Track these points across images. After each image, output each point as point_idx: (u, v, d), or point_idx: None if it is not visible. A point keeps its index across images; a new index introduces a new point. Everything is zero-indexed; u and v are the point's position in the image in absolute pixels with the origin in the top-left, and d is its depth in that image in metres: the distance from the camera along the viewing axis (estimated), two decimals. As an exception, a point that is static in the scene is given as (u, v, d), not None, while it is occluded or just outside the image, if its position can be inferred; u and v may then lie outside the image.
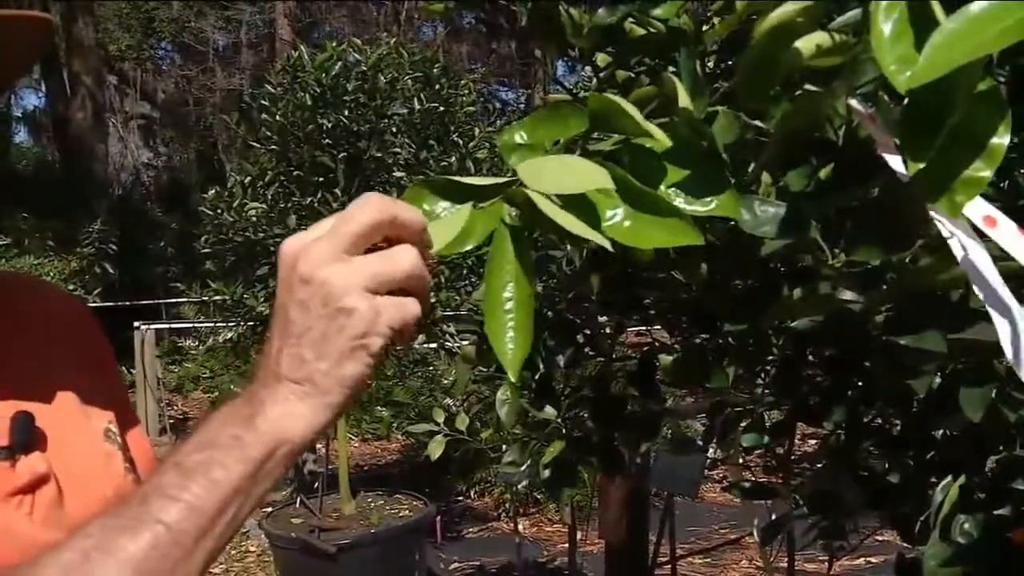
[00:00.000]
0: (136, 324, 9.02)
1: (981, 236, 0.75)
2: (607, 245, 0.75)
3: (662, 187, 0.80)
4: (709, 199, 0.79)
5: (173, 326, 11.58)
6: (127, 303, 11.50)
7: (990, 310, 0.75)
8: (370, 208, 0.71)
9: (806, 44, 0.72)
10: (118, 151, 23.04)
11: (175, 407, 11.19)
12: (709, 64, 1.49)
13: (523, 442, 1.91)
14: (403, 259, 0.72)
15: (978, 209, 0.74)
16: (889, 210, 0.85)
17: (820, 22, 0.74)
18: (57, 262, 12.59)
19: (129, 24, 22.39)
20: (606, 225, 0.77)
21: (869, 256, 0.88)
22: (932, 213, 0.74)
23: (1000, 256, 0.75)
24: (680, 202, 0.79)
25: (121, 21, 22.27)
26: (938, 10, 0.60)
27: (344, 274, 0.70)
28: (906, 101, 0.64)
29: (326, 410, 0.72)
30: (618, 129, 0.80)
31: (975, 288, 0.75)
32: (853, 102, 0.80)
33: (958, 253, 0.75)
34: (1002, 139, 0.64)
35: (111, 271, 12.95)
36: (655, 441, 1.98)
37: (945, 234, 0.74)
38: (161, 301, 13.04)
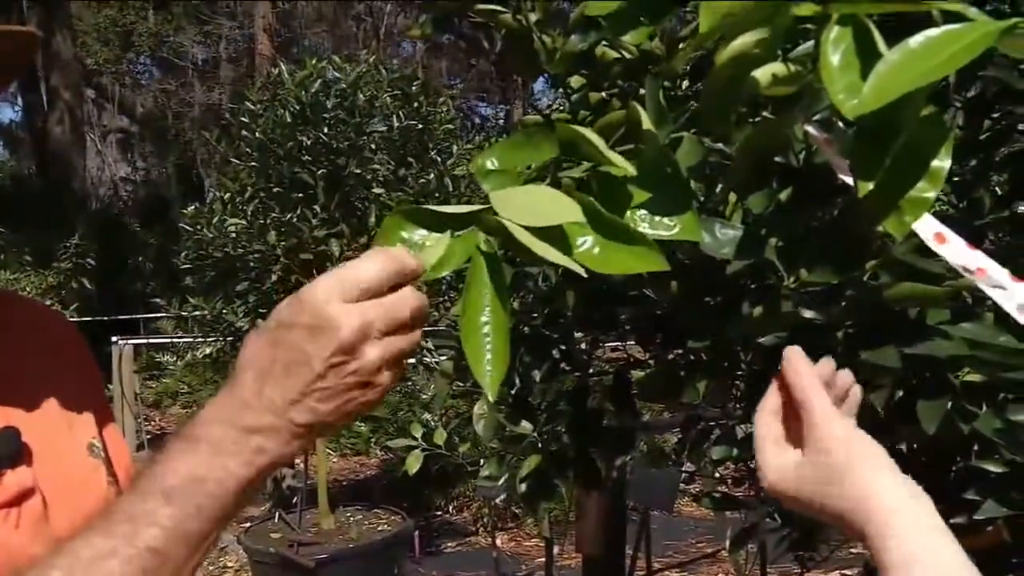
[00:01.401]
0: (114, 339, 8.98)
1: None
2: (580, 271, 0.80)
3: (629, 213, 0.84)
4: (672, 222, 0.83)
5: (151, 341, 11.52)
6: (104, 318, 11.43)
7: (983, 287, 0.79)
8: (381, 264, 0.76)
9: (763, 73, 0.75)
10: (96, 165, 22.95)
11: (153, 422, 11.13)
12: (683, 84, 1.53)
13: (500, 456, 1.93)
14: (409, 302, 0.77)
15: (928, 227, 0.78)
16: (843, 231, 0.89)
17: (777, 52, 0.78)
18: (34, 277, 12.50)
19: (107, 38, 22.33)
20: (577, 252, 0.81)
21: (824, 277, 0.92)
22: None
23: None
24: (645, 226, 0.83)
25: (99, 34, 22.21)
26: (880, 42, 0.64)
27: (361, 329, 0.74)
28: (855, 127, 0.68)
29: (313, 441, 0.77)
30: (585, 157, 0.84)
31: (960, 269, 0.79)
32: (809, 128, 0.84)
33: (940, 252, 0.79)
34: (944, 162, 0.68)
35: (89, 286, 12.87)
36: (631, 455, 2.01)
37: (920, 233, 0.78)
38: (139, 316, 12.97)
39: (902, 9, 0.65)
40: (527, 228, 0.79)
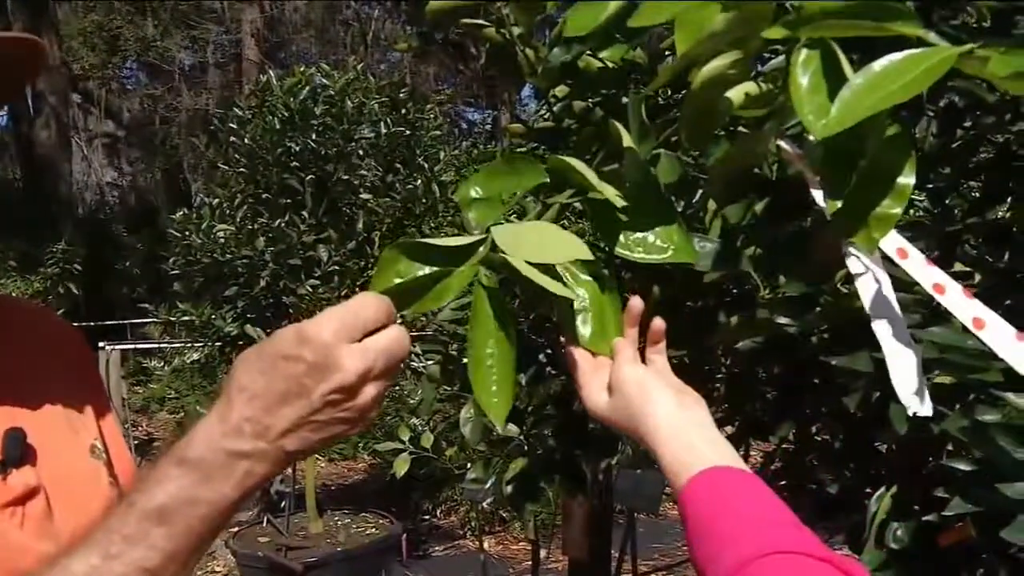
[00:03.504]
0: (101, 344, 8.96)
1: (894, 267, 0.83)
2: (587, 303, 0.87)
3: (622, 238, 0.88)
4: (667, 248, 0.88)
5: (138, 346, 11.49)
6: (91, 323, 11.40)
7: (885, 346, 0.83)
8: (381, 308, 0.81)
9: (736, 94, 0.79)
10: (81, 170, 22.84)
11: (140, 428, 11.09)
12: (667, 91, 1.56)
13: (487, 459, 1.96)
14: (404, 346, 0.82)
15: (892, 242, 0.82)
16: (813, 242, 0.93)
17: (750, 72, 0.82)
18: (20, 282, 12.45)
19: (94, 42, 22.23)
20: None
21: (796, 286, 0.96)
22: (850, 250, 0.82)
23: (911, 283, 0.83)
24: (640, 252, 0.87)
25: (85, 39, 22.11)
26: (846, 66, 0.68)
27: (363, 376, 0.79)
28: (823, 146, 0.72)
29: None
30: (575, 186, 0.88)
31: (874, 326, 0.84)
32: (782, 143, 0.88)
33: (865, 296, 0.83)
34: (908, 179, 0.72)
35: (75, 291, 12.83)
36: (616, 458, 2.04)
37: (854, 270, 0.82)
38: (126, 321, 12.94)
39: (867, 34, 0.68)
40: (533, 264, 0.83)
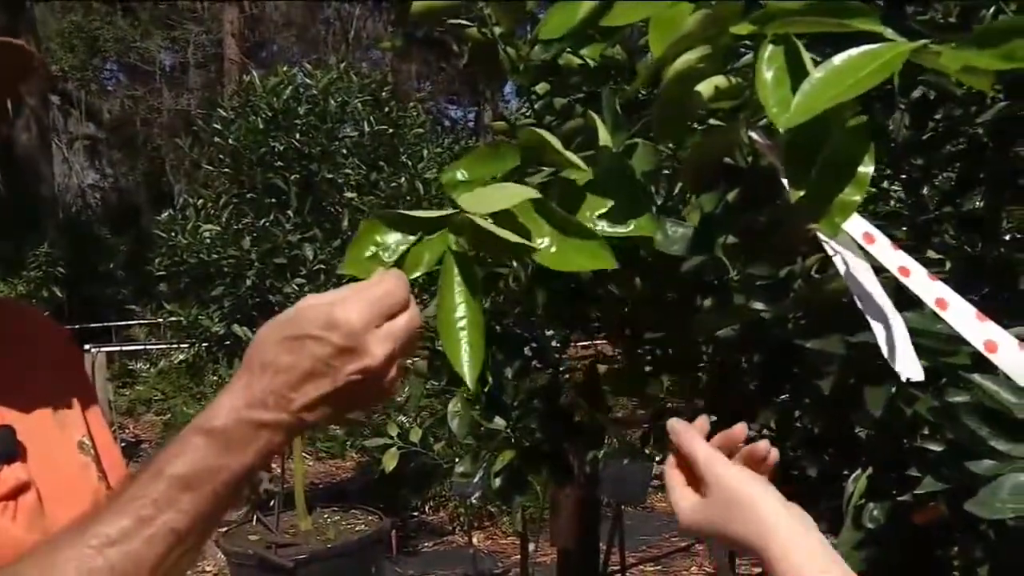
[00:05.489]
0: (87, 347, 8.95)
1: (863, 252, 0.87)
2: (535, 247, 0.88)
3: (588, 215, 0.91)
4: (629, 222, 0.90)
5: (124, 348, 11.47)
6: (76, 326, 11.38)
7: (871, 320, 0.87)
8: (403, 289, 0.84)
9: (706, 87, 0.82)
10: (62, 172, 22.72)
11: (127, 430, 11.07)
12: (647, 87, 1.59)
13: (475, 452, 1.99)
14: (418, 323, 0.85)
15: (858, 227, 0.86)
16: (778, 229, 0.96)
17: (720, 66, 0.85)
18: (3, 286, 12.41)
19: (73, 44, 22.12)
20: (538, 253, 0.88)
21: (764, 270, 0.99)
22: (819, 234, 0.85)
23: (881, 268, 0.87)
24: (604, 226, 0.90)
25: (64, 40, 22.00)
26: (808, 61, 0.71)
27: (388, 360, 0.82)
28: (788, 137, 0.75)
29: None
30: (546, 161, 0.91)
31: (855, 298, 0.87)
32: (753, 134, 0.91)
33: (841, 268, 0.87)
34: (868, 168, 0.76)
35: (59, 294, 12.80)
36: (602, 450, 2.06)
37: (830, 252, 0.86)
38: (111, 324, 12.92)
39: (829, 30, 0.72)
40: (488, 216, 0.85)
